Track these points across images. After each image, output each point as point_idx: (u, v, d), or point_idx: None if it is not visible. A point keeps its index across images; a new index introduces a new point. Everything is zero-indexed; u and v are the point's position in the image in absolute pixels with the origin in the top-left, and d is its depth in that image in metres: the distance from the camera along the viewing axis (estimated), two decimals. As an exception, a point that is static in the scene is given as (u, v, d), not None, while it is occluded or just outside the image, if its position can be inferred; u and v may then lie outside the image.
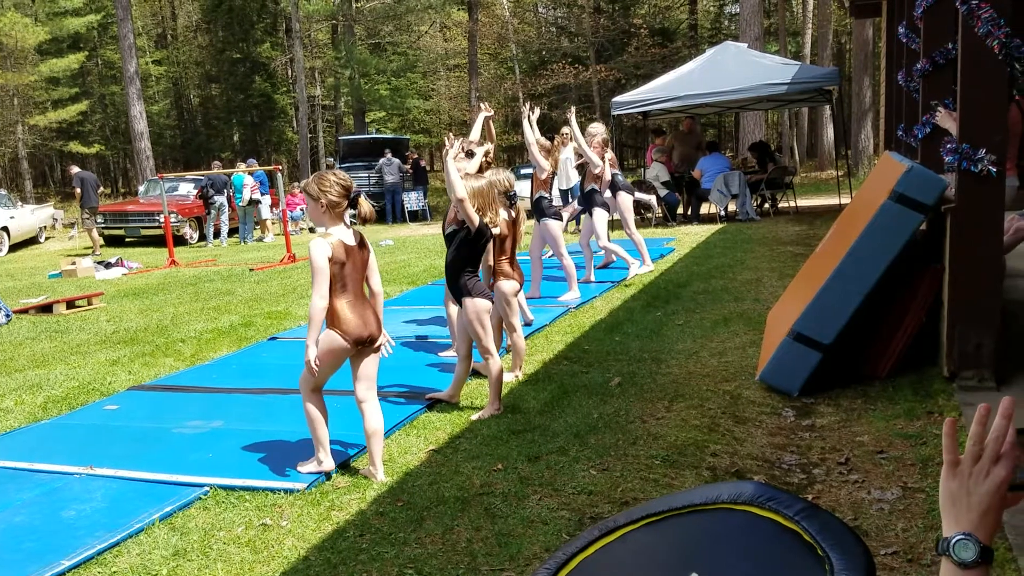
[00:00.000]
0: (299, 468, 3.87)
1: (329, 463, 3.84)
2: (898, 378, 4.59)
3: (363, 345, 3.73)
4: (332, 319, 3.66)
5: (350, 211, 3.77)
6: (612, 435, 4.11)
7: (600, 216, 8.53)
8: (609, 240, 9.02)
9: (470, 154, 5.66)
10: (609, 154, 8.60)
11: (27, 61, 29.31)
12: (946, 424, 1.15)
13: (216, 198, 17.51)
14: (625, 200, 9.35)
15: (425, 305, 8.12)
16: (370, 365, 3.82)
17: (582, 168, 15.80)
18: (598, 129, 8.58)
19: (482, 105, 6.09)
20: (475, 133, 5.91)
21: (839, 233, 5.22)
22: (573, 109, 7.68)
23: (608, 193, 8.82)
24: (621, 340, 6.08)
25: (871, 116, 21.87)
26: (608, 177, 8.49)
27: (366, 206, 3.84)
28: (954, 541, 1.08)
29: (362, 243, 3.78)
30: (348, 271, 3.65)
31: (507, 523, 3.21)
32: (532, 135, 7.31)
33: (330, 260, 3.57)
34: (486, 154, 5.80)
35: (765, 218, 14.02)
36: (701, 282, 8.18)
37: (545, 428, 4.27)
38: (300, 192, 21.29)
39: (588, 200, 8.57)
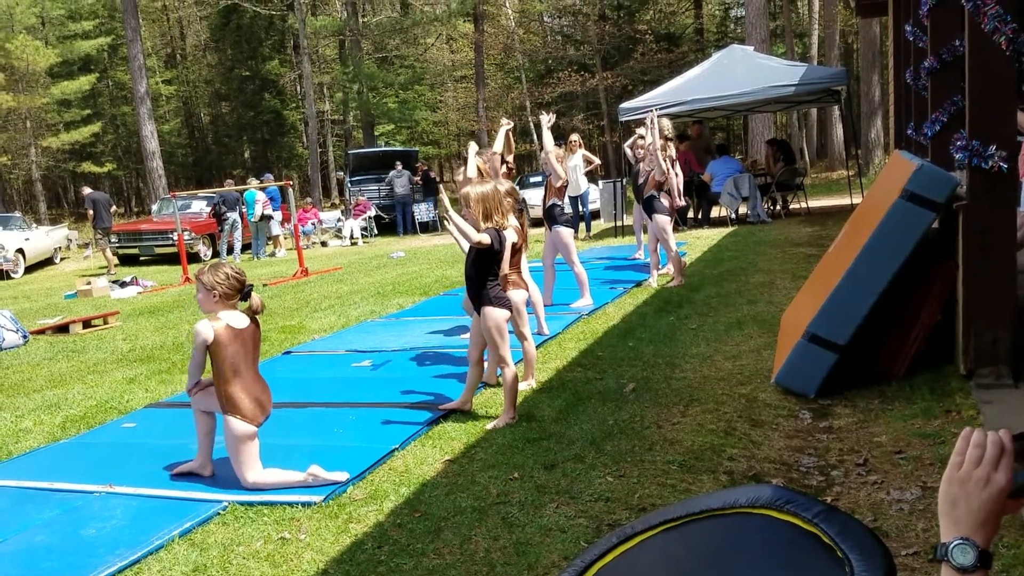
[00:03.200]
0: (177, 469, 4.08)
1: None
2: (915, 377, 4.56)
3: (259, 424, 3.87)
4: (230, 405, 3.77)
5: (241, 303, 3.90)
6: (628, 441, 4.10)
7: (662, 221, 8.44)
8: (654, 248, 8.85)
9: (504, 161, 5.81)
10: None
11: (39, 84, 29.66)
12: (966, 430, 1.14)
13: (228, 215, 17.62)
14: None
15: (441, 316, 8.13)
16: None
17: (591, 175, 15.86)
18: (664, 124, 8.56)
19: (504, 119, 6.15)
20: (498, 144, 5.97)
21: (851, 233, 5.20)
22: (546, 116, 7.33)
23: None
24: (635, 346, 6.07)
25: (880, 115, 21.80)
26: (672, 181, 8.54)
27: (257, 299, 3.97)
28: (952, 546, 1.08)
29: (253, 321, 3.90)
30: (236, 352, 3.76)
31: (525, 532, 3.20)
32: (549, 142, 7.33)
33: (215, 342, 3.70)
34: (506, 164, 5.87)
35: (776, 220, 13.98)
36: (713, 286, 8.16)
37: (560, 436, 4.26)
38: (311, 207, 21.43)
39: (648, 207, 8.49)
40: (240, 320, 3.84)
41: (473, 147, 6.10)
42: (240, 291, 3.84)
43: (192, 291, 9.29)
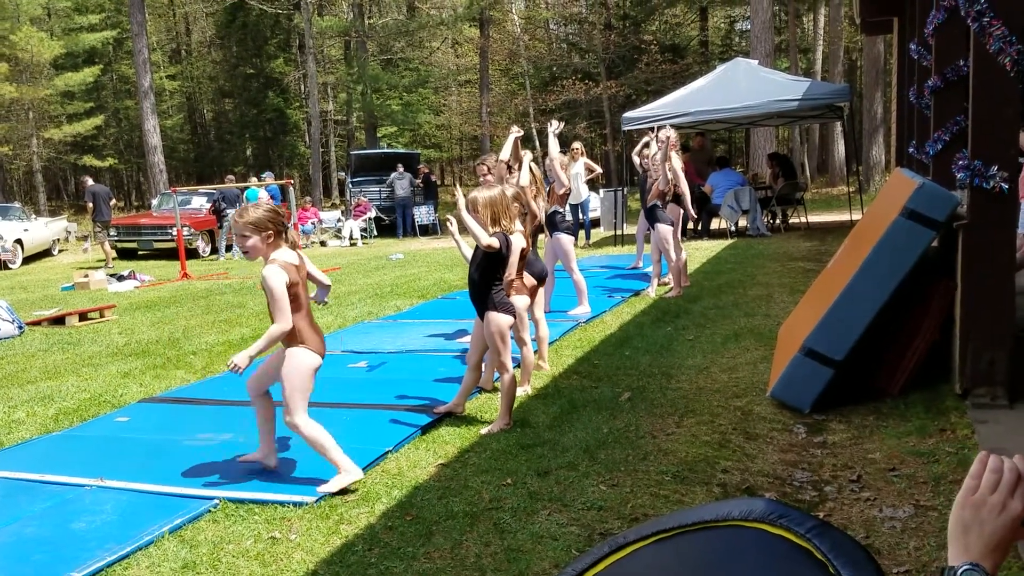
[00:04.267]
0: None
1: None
2: (910, 395, 4.56)
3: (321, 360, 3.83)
4: (298, 338, 3.72)
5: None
6: (622, 450, 4.09)
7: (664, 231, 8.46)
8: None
9: (509, 168, 5.82)
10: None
11: (43, 75, 29.63)
12: (982, 454, 1.13)
13: (228, 212, 17.61)
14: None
15: (438, 319, 8.13)
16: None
17: (592, 183, 15.87)
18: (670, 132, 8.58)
19: (514, 127, 6.16)
20: (505, 152, 5.99)
21: (851, 249, 5.21)
22: (553, 123, 7.37)
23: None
24: (631, 355, 6.07)
25: (882, 132, 21.85)
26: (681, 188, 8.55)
27: (293, 232, 3.94)
28: (961, 571, 1.07)
29: (301, 260, 3.85)
30: (301, 291, 3.74)
31: (516, 538, 3.20)
32: (555, 149, 7.35)
33: (288, 284, 3.64)
34: (511, 171, 5.88)
35: (776, 234, 14.00)
36: (712, 297, 8.16)
37: (555, 443, 4.26)
38: (311, 206, 21.44)
39: (651, 216, 8.52)
40: (293, 256, 3.77)
41: (516, 131, 6.10)
42: (284, 226, 3.78)
43: (189, 287, 9.19)
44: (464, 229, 4.57)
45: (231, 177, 19.45)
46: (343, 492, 3.77)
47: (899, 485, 3.50)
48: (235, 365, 3.61)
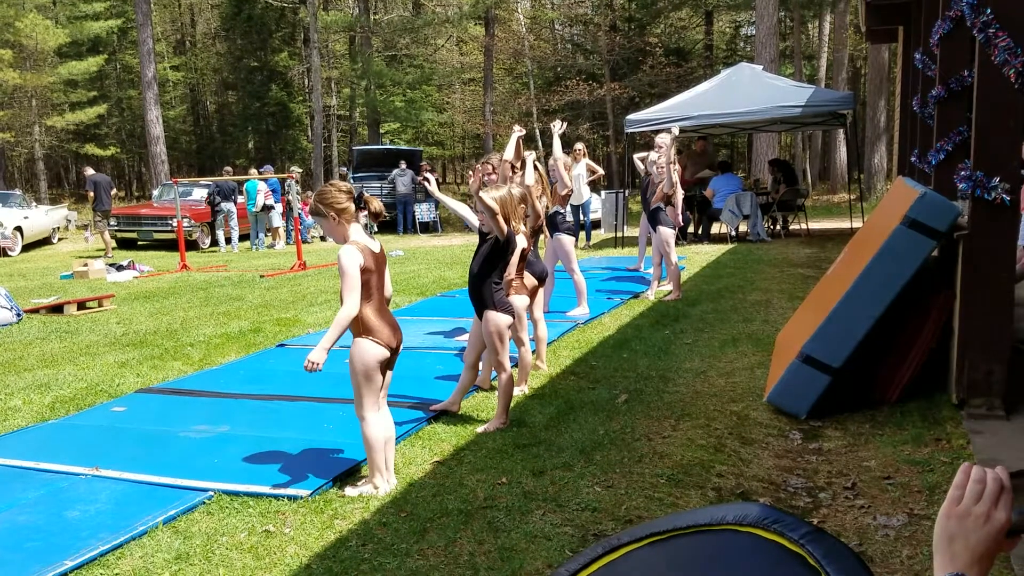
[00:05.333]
0: (346, 491, 3.71)
1: (384, 487, 3.70)
2: (907, 404, 4.56)
3: (394, 353, 3.66)
4: (364, 328, 3.55)
5: (363, 214, 3.68)
6: (617, 452, 4.10)
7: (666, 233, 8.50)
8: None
9: (512, 168, 5.83)
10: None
11: (46, 63, 29.58)
12: (965, 465, 1.14)
13: (223, 205, 17.56)
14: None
15: (437, 316, 8.14)
16: (389, 374, 3.76)
17: (593, 185, 15.87)
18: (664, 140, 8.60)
19: (516, 127, 6.17)
20: (509, 152, 5.98)
21: (851, 257, 5.21)
22: (557, 124, 7.38)
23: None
24: (629, 357, 6.07)
25: (885, 140, 21.86)
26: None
27: (375, 203, 3.74)
28: None
29: (381, 249, 3.70)
30: (374, 279, 3.56)
31: (510, 537, 3.20)
32: (558, 150, 7.37)
33: (361, 268, 3.47)
34: (514, 171, 5.88)
35: (776, 240, 14.00)
36: (710, 302, 8.16)
37: (550, 443, 4.26)
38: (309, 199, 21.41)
39: (654, 219, 8.55)
40: (374, 243, 3.60)
41: (518, 130, 6.11)
42: (353, 198, 3.59)
43: (188, 279, 9.17)
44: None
45: (228, 169, 19.42)
46: (339, 486, 3.77)
47: (894, 493, 3.50)
48: (312, 363, 3.46)
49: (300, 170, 20.08)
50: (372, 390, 3.63)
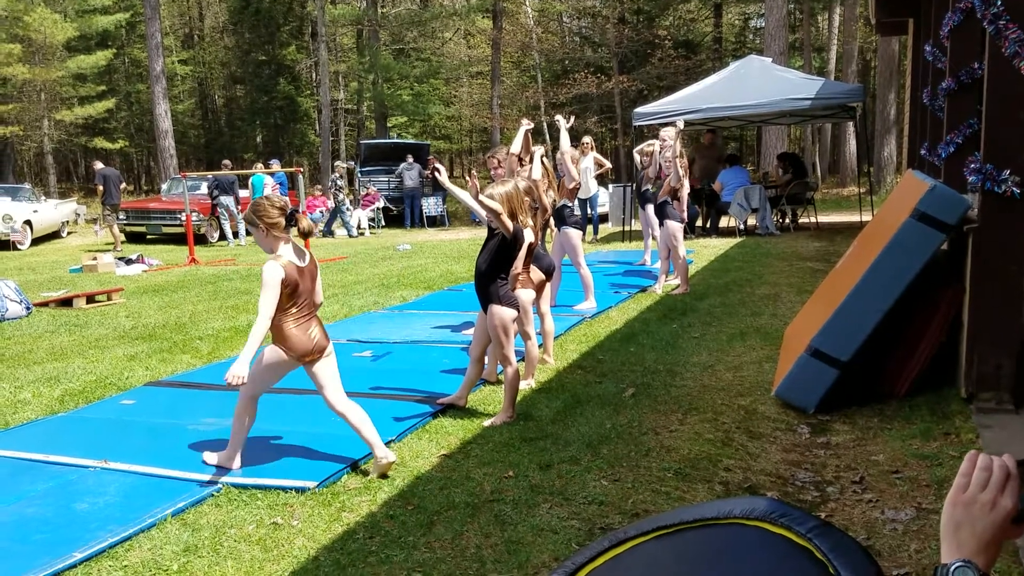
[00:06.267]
0: (205, 456, 4.03)
1: (237, 463, 3.95)
2: (915, 398, 4.55)
3: (311, 359, 3.82)
4: (279, 338, 3.77)
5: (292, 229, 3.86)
6: (624, 446, 4.09)
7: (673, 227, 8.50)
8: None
9: (520, 161, 5.82)
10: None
11: (55, 57, 29.65)
12: (971, 453, 1.14)
13: (222, 199, 17.55)
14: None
15: (444, 310, 8.14)
16: (327, 371, 3.91)
17: (601, 178, 15.84)
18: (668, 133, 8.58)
19: (524, 120, 6.16)
20: (516, 146, 5.98)
21: (860, 250, 5.19)
22: (564, 117, 7.35)
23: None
24: (636, 351, 6.06)
25: (895, 133, 21.74)
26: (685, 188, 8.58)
27: (304, 221, 4.01)
28: (954, 568, 1.07)
29: (310, 258, 3.88)
30: (299, 291, 3.74)
31: (517, 530, 3.20)
32: (566, 144, 7.35)
33: (283, 282, 3.65)
34: (522, 164, 5.87)
35: (785, 233, 13.96)
36: (718, 295, 8.15)
37: (557, 437, 4.26)
38: (319, 195, 21.46)
39: (661, 212, 8.56)
40: (301, 258, 3.79)
41: (526, 123, 6.10)
42: (284, 214, 3.76)
43: (197, 272, 9.20)
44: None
45: (227, 163, 19.47)
46: (339, 479, 3.78)
47: (902, 487, 3.49)
48: (235, 376, 3.61)
49: (348, 165, 20.27)
50: (258, 389, 3.89)
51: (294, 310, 3.76)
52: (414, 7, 35.37)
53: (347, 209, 19.13)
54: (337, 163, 20.36)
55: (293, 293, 3.71)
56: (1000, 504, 1.08)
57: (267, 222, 3.71)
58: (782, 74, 14.41)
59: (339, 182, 19.18)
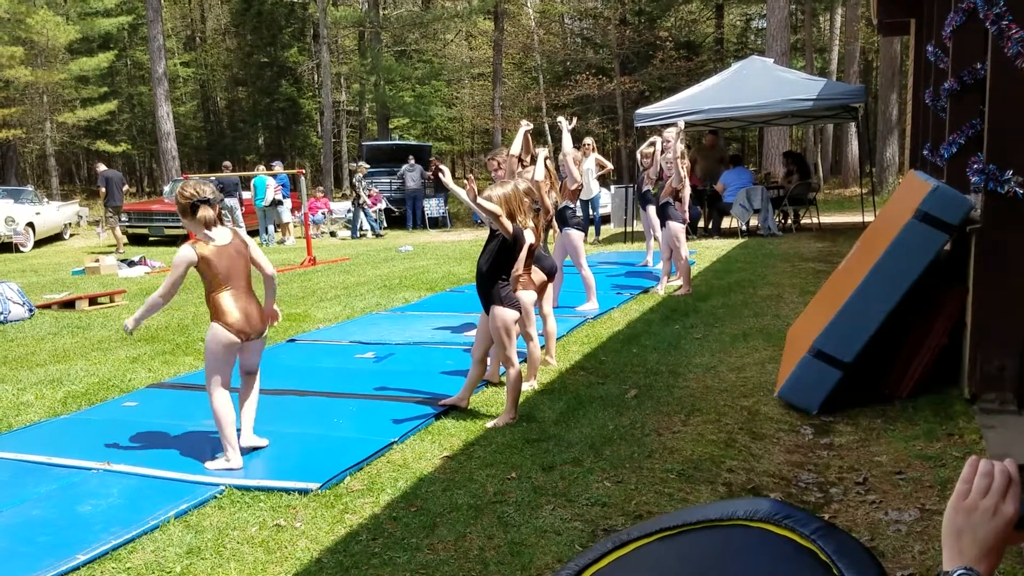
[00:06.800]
0: (207, 466, 4.00)
1: (238, 460, 3.98)
2: (918, 398, 4.54)
3: (245, 335, 3.99)
4: (216, 312, 3.94)
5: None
6: (627, 447, 4.09)
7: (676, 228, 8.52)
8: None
9: (520, 163, 5.82)
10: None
11: (57, 59, 29.68)
12: (972, 458, 1.13)
13: (226, 200, 17.54)
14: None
15: (446, 312, 8.14)
16: (254, 356, 4.16)
17: (602, 179, 15.84)
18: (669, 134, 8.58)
19: (523, 121, 6.16)
20: (516, 147, 5.98)
21: (862, 251, 5.18)
22: (566, 119, 7.36)
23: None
24: (639, 352, 6.06)
25: (897, 134, 21.73)
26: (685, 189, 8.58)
27: (203, 210, 4.07)
28: (955, 575, 1.06)
29: (234, 237, 4.09)
30: (219, 266, 3.93)
31: (520, 532, 3.20)
32: (568, 145, 7.35)
33: (201, 260, 3.89)
34: (522, 165, 5.86)
35: (787, 234, 13.94)
36: (721, 296, 8.14)
37: (560, 438, 4.26)
38: (322, 196, 21.48)
39: (663, 213, 8.58)
40: (223, 236, 4.02)
41: (526, 124, 6.09)
42: (190, 205, 3.97)
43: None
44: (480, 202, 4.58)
45: (227, 164, 19.45)
46: (341, 481, 3.78)
47: (905, 489, 3.49)
48: (125, 326, 4.09)
49: (367, 166, 20.37)
50: (219, 370, 3.98)
51: (227, 287, 3.96)
52: (416, 9, 35.44)
53: (369, 208, 19.29)
54: (360, 163, 20.44)
55: (211, 270, 3.92)
56: (1002, 510, 1.07)
57: (180, 209, 4.02)
58: (784, 75, 14.41)
59: (363, 182, 19.29)
